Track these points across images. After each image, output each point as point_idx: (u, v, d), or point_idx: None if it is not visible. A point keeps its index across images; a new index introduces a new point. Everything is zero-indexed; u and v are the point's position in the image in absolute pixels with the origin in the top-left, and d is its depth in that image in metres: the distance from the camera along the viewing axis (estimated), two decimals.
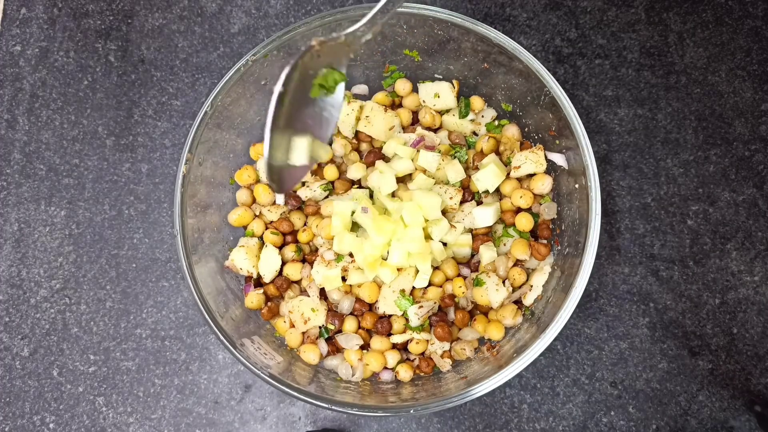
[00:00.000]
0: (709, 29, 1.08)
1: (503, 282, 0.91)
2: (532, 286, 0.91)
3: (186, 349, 1.02)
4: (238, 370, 1.01)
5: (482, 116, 1.00)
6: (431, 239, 0.91)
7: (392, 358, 0.91)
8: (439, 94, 0.97)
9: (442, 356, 0.91)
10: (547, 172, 0.94)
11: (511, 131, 0.97)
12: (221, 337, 0.82)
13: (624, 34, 1.08)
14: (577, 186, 0.87)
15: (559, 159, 0.92)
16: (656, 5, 1.09)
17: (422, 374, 0.92)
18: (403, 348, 0.94)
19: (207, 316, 0.83)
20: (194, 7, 1.13)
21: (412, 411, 0.79)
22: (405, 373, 0.91)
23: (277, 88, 0.63)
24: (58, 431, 1.00)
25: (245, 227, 0.98)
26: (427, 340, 0.91)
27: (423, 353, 0.93)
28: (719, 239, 1.02)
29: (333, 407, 0.79)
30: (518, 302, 0.92)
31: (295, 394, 0.80)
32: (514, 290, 0.93)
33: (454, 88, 0.97)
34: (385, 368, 0.92)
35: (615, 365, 0.99)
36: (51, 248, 1.05)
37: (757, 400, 0.96)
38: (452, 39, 0.91)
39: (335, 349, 0.93)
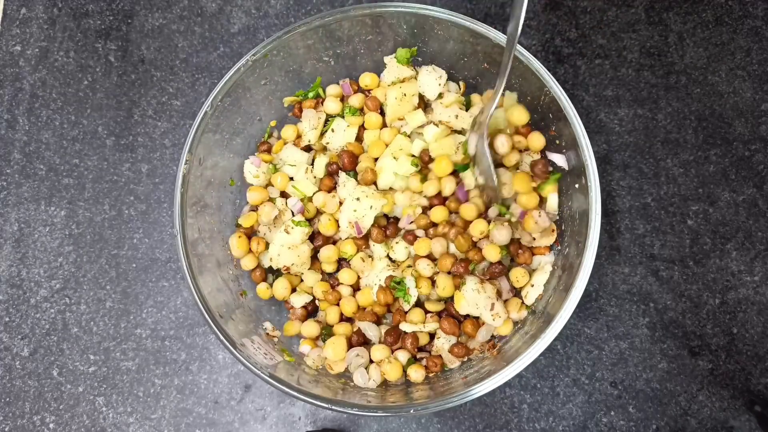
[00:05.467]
0: (709, 29, 1.08)
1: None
2: (533, 285, 0.91)
3: (186, 349, 1.02)
4: (238, 370, 1.01)
5: None
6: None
7: (403, 356, 0.90)
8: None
9: (450, 351, 0.90)
10: None
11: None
12: (221, 337, 0.82)
13: (624, 34, 1.08)
14: (577, 186, 0.87)
15: (559, 159, 0.92)
16: (656, 5, 1.09)
17: (430, 374, 0.91)
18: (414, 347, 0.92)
19: (207, 316, 0.83)
20: (194, 7, 1.13)
21: (412, 411, 0.79)
22: (416, 374, 0.89)
23: None
24: (58, 431, 1.00)
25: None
26: (432, 334, 0.91)
27: (430, 352, 0.92)
28: (719, 239, 1.02)
29: (333, 407, 0.79)
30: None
31: (295, 394, 0.80)
32: (515, 290, 0.93)
33: (460, 89, 0.98)
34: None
35: (615, 365, 0.99)
36: (51, 248, 1.05)
37: (757, 400, 0.96)
38: (452, 39, 0.91)
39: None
